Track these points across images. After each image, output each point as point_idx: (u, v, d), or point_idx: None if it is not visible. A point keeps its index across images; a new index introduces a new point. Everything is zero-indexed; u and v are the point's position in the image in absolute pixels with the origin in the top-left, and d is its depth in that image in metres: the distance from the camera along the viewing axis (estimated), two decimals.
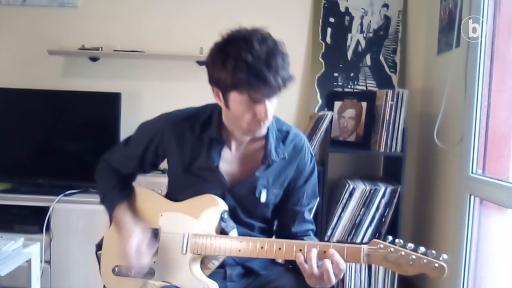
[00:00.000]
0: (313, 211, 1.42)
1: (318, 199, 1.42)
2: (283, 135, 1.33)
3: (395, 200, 2.31)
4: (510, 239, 1.82)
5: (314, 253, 1.14)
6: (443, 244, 2.28)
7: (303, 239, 1.30)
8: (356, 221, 2.32)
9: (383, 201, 2.31)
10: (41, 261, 2.29)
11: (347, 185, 2.33)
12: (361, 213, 2.32)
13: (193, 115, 1.34)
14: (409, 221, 2.73)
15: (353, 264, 2.33)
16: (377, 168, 2.82)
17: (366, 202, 2.32)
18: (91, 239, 2.36)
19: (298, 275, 1.30)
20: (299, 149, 1.34)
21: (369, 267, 2.34)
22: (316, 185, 1.40)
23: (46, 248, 2.43)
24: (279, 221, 1.41)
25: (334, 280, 1.12)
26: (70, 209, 2.45)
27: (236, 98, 1.16)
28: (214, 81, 1.19)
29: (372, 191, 2.32)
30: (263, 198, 1.30)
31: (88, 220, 2.42)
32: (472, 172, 1.96)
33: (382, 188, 2.32)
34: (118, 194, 1.36)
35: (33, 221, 2.46)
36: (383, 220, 2.32)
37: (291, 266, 1.34)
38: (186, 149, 1.31)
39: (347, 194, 2.32)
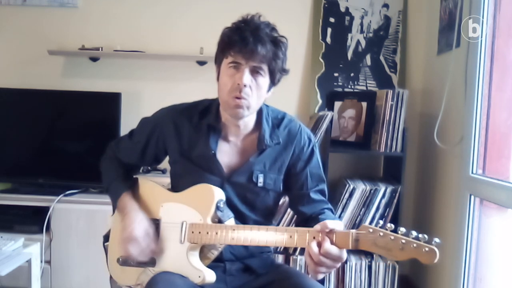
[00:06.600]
0: (324, 193, 1.39)
1: (325, 183, 1.41)
2: (278, 122, 1.36)
3: (395, 200, 2.32)
4: (510, 239, 1.82)
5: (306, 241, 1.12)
6: (443, 244, 2.27)
7: (318, 219, 1.27)
8: (356, 221, 2.32)
9: (383, 201, 2.32)
10: (41, 261, 2.29)
11: (347, 185, 2.33)
12: (361, 213, 2.32)
13: (192, 106, 1.38)
14: (409, 221, 2.73)
15: (353, 264, 2.33)
16: (377, 168, 2.82)
17: (366, 202, 2.32)
18: (91, 239, 2.40)
19: (299, 277, 1.30)
20: (294, 134, 1.35)
21: (369, 267, 2.34)
22: (320, 168, 1.39)
23: (46, 248, 2.43)
24: (293, 210, 1.42)
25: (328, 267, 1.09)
26: (70, 209, 2.45)
27: (224, 64, 1.24)
28: (215, 59, 1.29)
29: (372, 191, 2.32)
30: (260, 183, 1.31)
31: (88, 220, 2.42)
32: (472, 172, 1.96)
33: (382, 188, 2.32)
34: (123, 182, 1.40)
35: (33, 221, 2.46)
36: (383, 220, 2.32)
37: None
38: (184, 138, 1.34)
39: (347, 194, 2.32)
